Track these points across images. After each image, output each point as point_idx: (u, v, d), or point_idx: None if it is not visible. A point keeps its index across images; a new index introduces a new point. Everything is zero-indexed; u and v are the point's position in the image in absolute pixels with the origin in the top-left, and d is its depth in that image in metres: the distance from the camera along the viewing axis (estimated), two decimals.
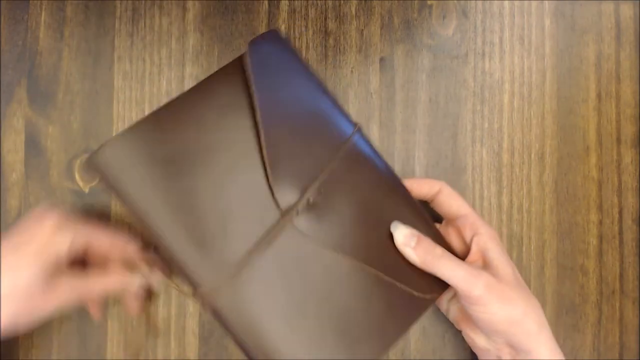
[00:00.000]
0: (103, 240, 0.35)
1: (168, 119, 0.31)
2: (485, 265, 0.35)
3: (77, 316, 0.41)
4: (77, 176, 0.41)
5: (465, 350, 0.41)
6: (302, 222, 0.32)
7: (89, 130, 0.41)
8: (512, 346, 0.34)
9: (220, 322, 0.31)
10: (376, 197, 0.35)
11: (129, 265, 0.36)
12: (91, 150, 0.41)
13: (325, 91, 0.35)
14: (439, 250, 0.34)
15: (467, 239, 0.36)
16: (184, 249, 0.31)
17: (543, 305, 0.41)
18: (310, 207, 0.32)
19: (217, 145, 0.32)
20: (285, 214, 0.32)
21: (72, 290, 0.34)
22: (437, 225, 0.38)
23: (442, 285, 0.34)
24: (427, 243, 0.34)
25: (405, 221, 0.35)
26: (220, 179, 0.31)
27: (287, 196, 0.32)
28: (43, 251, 0.32)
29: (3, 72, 0.41)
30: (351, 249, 0.33)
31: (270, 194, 0.32)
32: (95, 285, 0.35)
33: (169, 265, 0.38)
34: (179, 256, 0.31)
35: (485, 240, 0.35)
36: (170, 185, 0.31)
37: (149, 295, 0.40)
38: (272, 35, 0.35)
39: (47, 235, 0.33)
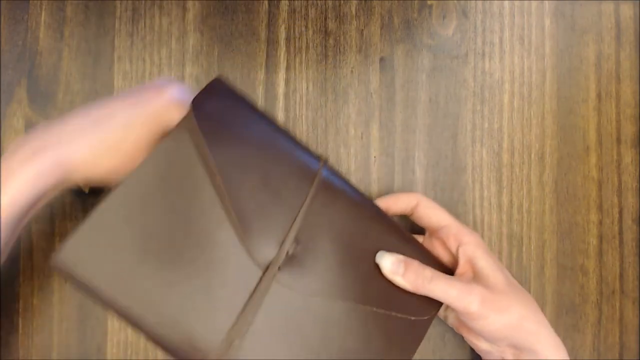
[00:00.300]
0: None
1: (126, 203, 0.29)
2: (476, 275, 0.35)
3: (77, 316, 0.41)
4: None
5: (465, 350, 0.41)
6: (285, 276, 0.31)
7: None
8: (515, 347, 0.34)
9: None
10: (356, 229, 0.34)
11: None
12: None
13: (282, 132, 0.34)
14: (428, 272, 0.33)
15: (453, 250, 0.36)
16: (173, 337, 0.29)
17: (543, 305, 0.41)
18: (291, 259, 0.31)
19: (182, 219, 0.30)
20: (266, 272, 0.30)
21: None
22: (421, 238, 0.38)
23: (437, 304, 0.34)
24: (416, 267, 0.34)
25: (389, 246, 0.34)
26: (193, 253, 0.30)
27: (265, 252, 0.31)
28: (155, 120, 0.31)
29: (3, 72, 0.41)
30: (341, 292, 0.32)
31: (246, 254, 0.30)
32: None
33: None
34: (169, 345, 0.29)
35: (472, 249, 0.35)
36: (145, 272, 0.29)
37: None
38: (216, 86, 0.33)
39: (164, 106, 0.32)
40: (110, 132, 0.30)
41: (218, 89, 0.33)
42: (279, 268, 0.31)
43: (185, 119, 0.31)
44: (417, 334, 0.34)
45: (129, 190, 0.30)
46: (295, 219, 0.32)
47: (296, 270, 0.32)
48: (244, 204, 0.31)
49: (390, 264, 0.33)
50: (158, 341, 0.29)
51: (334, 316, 0.32)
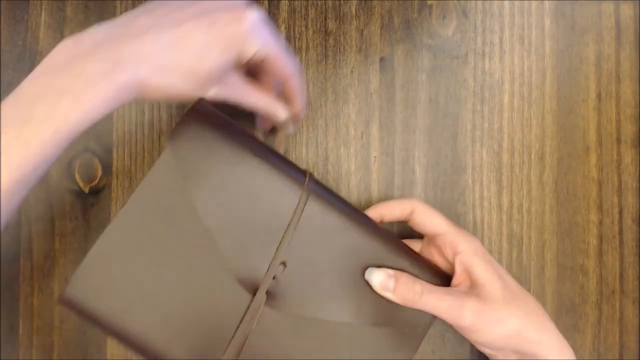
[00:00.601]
0: (281, 60, 0.33)
1: (120, 241, 0.31)
2: (473, 284, 0.34)
3: (77, 316, 0.41)
4: (77, 176, 0.41)
5: (465, 350, 0.41)
6: (274, 299, 0.32)
7: (88, 130, 0.41)
8: (517, 352, 0.34)
9: None
10: (346, 244, 0.34)
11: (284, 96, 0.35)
12: (91, 151, 0.41)
13: (263, 150, 0.34)
14: (419, 287, 0.33)
15: (450, 258, 0.36)
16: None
17: (543, 305, 0.41)
18: (280, 281, 0.32)
19: (172, 254, 0.31)
20: (255, 296, 0.31)
21: (234, 89, 0.32)
22: (419, 244, 0.38)
23: (430, 316, 0.34)
24: (405, 281, 0.33)
25: (382, 259, 0.34)
26: (186, 285, 0.31)
27: (253, 277, 0.32)
28: (231, 47, 0.30)
29: (3, 72, 0.41)
30: (332, 312, 0.33)
31: (235, 281, 0.32)
32: (251, 96, 0.33)
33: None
34: None
35: (468, 257, 0.35)
36: (150, 303, 0.31)
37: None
38: (194, 114, 0.33)
39: (241, 35, 0.30)
40: (187, 57, 0.29)
41: (196, 115, 0.33)
42: (267, 292, 0.32)
43: (165, 155, 0.31)
44: (410, 346, 0.34)
45: (126, 220, 0.31)
46: (281, 242, 0.32)
47: (286, 292, 0.32)
48: (229, 231, 0.32)
49: (379, 281, 0.33)
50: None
51: (328, 335, 0.33)
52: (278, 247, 0.32)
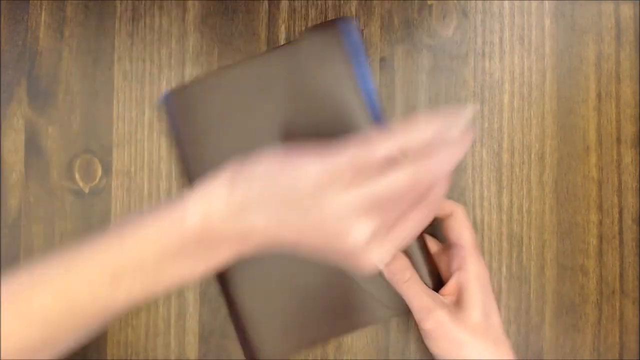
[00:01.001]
0: None
1: (221, 82, 0.36)
2: (457, 302, 0.35)
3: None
4: (77, 176, 0.41)
5: None
6: None
7: (89, 130, 0.41)
8: None
9: None
10: None
11: None
12: (91, 151, 0.41)
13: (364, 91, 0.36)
14: (409, 273, 0.34)
15: (452, 269, 0.36)
16: None
17: (543, 305, 0.41)
18: None
19: (250, 116, 0.36)
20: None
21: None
22: (436, 245, 0.39)
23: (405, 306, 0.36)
24: (401, 263, 0.34)
25: None
26: (242, 146, 0.35)
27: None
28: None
29: (3, 72, 0.41)
30: None
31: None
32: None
33: None
34: None
35: (469, 278, 0.35)
36: (203, 139, 0.36)
37: None
38: (336, 28, 0.36)
39: (348, 264, 0.30)
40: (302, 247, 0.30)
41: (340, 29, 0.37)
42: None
43: (295, 46, 0.36)
44: (376, 317, 0.37)
45: (239, 69, 0.36)
46: None
47: None
48: (293, 132, 0.36)
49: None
50: None
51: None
52: None
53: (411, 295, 0.34)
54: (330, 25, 0.36)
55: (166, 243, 0.29)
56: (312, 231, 0.29)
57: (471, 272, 0.35)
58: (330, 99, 0.36)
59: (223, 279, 0.37)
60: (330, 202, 0.27)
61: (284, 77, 0.36)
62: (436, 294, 0.35)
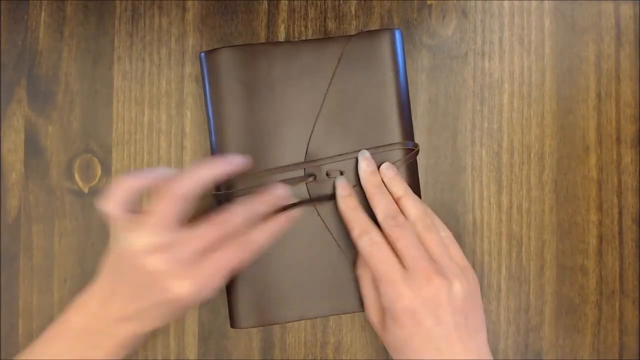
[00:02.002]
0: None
1: (271, 54, 0.37)
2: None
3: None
4: (77, 176, 0.41)
5: None
6: (312, 189, 0.37)
7: (88, 130, 0.41)
8: None
9: None
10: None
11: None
12: (91, 151, 0.41)
13: (400, 93, 0.38)
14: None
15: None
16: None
17: (543, 305, 0.41)
18: (324, 178, 0.38)
19: (288, 93, 0.37)
20: (306, 174, 0.37)
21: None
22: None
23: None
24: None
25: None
26: (276, 116, 0.37)
27: (315, 158, 0.38)
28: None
29: (3, 72, 0.41)
30: (338, 237, 0.38)
31: (304, 152, 0.38)
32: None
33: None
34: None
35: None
36: (241, 100, 0.37)
37: None
38: (386, 33, 0.38)
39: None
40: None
41: (388, 36, 0.38)
42: (315, 178, 0.38)
43: (346, 39, 0.38)
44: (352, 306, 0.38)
45: (279, 47, 0.38)
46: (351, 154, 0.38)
47: (320, 188, 0.38)
48: (328, 119, 0.38)
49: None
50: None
51: (323, 243, 0.38)
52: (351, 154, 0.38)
53: (363, 288, 0.36)
54: (382, 32, 0.38)
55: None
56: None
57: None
58: (369, 99, 0.37)
59: None
60: (130, 249, 0.33)
61: (329, 66, 0.38)
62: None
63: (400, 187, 0.36)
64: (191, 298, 0.32)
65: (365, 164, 0.37)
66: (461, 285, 0.33)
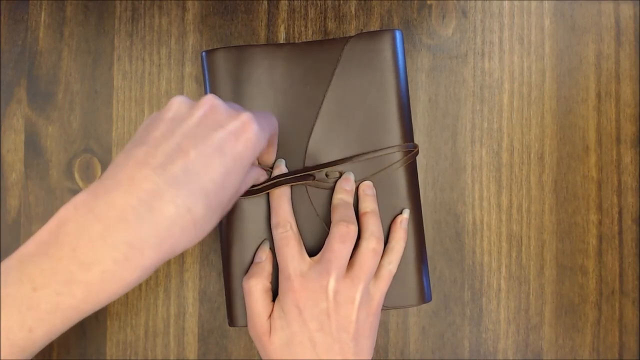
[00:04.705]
0: (274, 131, 0.34)
1: (271, 55, 0.38)
2: None
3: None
4: (77, 176, 0.41)
5: (465, 349, 0.41)
6: (312, 191, 0.37)
7: (88, 130, 0.41)
8: None
9: None
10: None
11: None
12: (91, 150, 0.41)
13: (400, 97, 0.38)
14: (352, 228, 0.35)
15: None
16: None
17: (542, 305, 0.41)
18: (323, 180, 0.37)
19: (288, 94, 0.38)
20: (307, 172, 0.37)
21: (254, 178, 0.35)
22: None
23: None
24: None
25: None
26: (275, 116, 0.36)
27: (314, 161, 0.38)
28: (255, 148, 0.30)
29: (3, 72, 0.41)
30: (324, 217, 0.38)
31: (303, 153, 0.38)
32: (253, 178, 0.35)
33: None
34: None
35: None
36: (241, 100, 0.37)
37: None
38: (384, 35, 0.38)
39: (255, 143, 0.29)
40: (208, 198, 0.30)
41: (388, 38, 0.38)
42: (314, 177, 0.37)
43: (344, 40, 0.38)
44: None
45: (283, 48, 0.38)
46: (349, 160, 0.38)
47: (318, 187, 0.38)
48: (327, 122, 0.38)
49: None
50: None
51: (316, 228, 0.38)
52: (349, 159, 0.38)
53: (250, 297, 0.35)
54: (382, 32, 0.38)
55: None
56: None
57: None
58: (369, 100, 0.38)
59: (226, 240, 0.38)
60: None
61: (329, 66, 0.38)
62: (270, 308, 0.35)
63: (370, 204, 0.37)
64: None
65: (345, 182, 0.37)
66: (354, 311, 0.33)
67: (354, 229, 0.34)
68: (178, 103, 0.29)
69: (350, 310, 0.33)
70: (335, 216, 0.35)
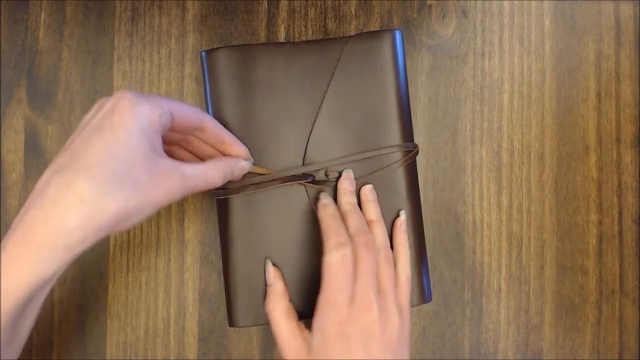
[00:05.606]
0: (186, 112, 0.31)
1: (272, 55, 0.38)
2: None
3: (77, 316, 0.41)
4: None
5: (465, 349, 0.41)
6: (312, 191, 0.37)
7: None
8: None
9: None
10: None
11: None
12: None
13: (401, 97, 0.38)
14: (270, 306, 0.35)
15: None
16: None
17: (543, 305, 0.41)
18: (323, 179, 0.38)
19: (288, 93, 0.38)
20: (306, 174, 0.37)
21: (179, 175, 0.30)
22: None
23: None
24: (273, 292, 0.36)
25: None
26: (275, 116, 0.37)
27: (314, 160, 0.37)
28: (135, 122, 0.28)
29: (3, 72, 0.41)
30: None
31: (303, 152, 0.38)
32: (208, 170, 0.32)
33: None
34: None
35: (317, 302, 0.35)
36: (241, 99, 0.37)
37: None
38: (386, 35, 0.38)
39: (130, 108, 0.28)
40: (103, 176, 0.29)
41: (387, 38, 0.38)
42: (313, 180, 0.38)
43: (345, 40, 0.38)
44: None
45: (282, 48, 0.38)
46: (347, 160, 0.38)
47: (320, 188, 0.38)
48: (326, 122, 0.38)
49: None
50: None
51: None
52: (347, 159, 0.38)
53: (273, 322, 0.35)
54: (382, 32, 0.38)
55: None
56: None
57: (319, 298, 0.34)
58: (369, 100, 0.38)
59: (226, 240, 0.38)
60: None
61: (329, 66, 0.38)
62: (300, 330, 0.34)
63: (374, 212, 0.36)
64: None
65: (347, 182, 0.37)
66: (396, 325, 0.33)
67: (371, 239, 0.34)
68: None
69: (392, 327, 0.33)
70: (351, 227, 0.34)
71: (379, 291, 0.33)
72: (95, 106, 0.30)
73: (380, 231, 0.36)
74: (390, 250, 0.36)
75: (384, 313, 0.33)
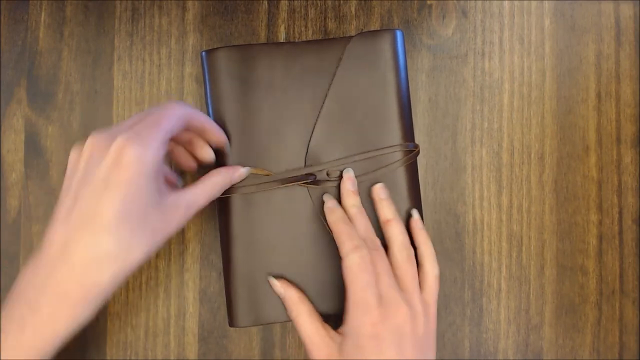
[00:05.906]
0: (199, 118, 0.34)
1: (272, 55, 0.37)
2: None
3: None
4: None
5: (465, 349, 0.41)
6: (314, 191, 0.37)
7: (88, 130, 0.41)
8: None
9: None
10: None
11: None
12: None
13: (402, 96, 0.38)
14: (295, 309, 0.36)
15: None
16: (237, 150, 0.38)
17: (543, 305, 0.41)
18: (325, 179, 0.37)
19: (289, 93, 0.37)
20: (308, 174, 0.37)
21: (185, 205, 0.32)
22: None
23: None
24: (290, 297, 0.36)
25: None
26: (276, 116, 0.37)
27: (315, 160, 0.37)
28: (143, 175, 0.30)
29: (3, 72, 0.41)
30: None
31: (304, 153, 0.37)
32: (207, 190, 0.34)
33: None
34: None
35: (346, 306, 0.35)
36: (242, 99, 0.37)
37: None
38: (385, 34, 0.38)
39: (136, 162, 0.30)
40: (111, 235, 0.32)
41: (388, 37, 0.38)
42: (315, 180, 0.38)
43: (346, 40, 0.38)
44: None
45: (282, 47, 0.38)
46: (350, 158, 0.38)
47: (322, 189, 0.38)
48: (328, 122, 0.38)
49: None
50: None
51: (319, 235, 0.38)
52: (350, 158, 0.38)
53: (300, 328, 0.35)
54: (383, 32, 0.38)
55: None
56: None
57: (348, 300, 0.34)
58: (370, 100, 0.37)
59: (226, 240, 0.38)
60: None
61: (330, 66, 0.38)
62: (326, 330, 0.34)
63: (390, 210, 0.36)
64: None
65: (350, 183, 0.37)
66: (423, 322, 0.33)
67: (378, 241, 0.35)
68: (73, 154, 0.32)
69: (421, 326, 0.33)
70: (360, 232, 0.35)
71: (403, 290, 0.33)
72: (89, 148, 0.31)
73: (399, 230, 0.35)
74: (412, 248, 0.36)
75: (412, 312, 0.33)
